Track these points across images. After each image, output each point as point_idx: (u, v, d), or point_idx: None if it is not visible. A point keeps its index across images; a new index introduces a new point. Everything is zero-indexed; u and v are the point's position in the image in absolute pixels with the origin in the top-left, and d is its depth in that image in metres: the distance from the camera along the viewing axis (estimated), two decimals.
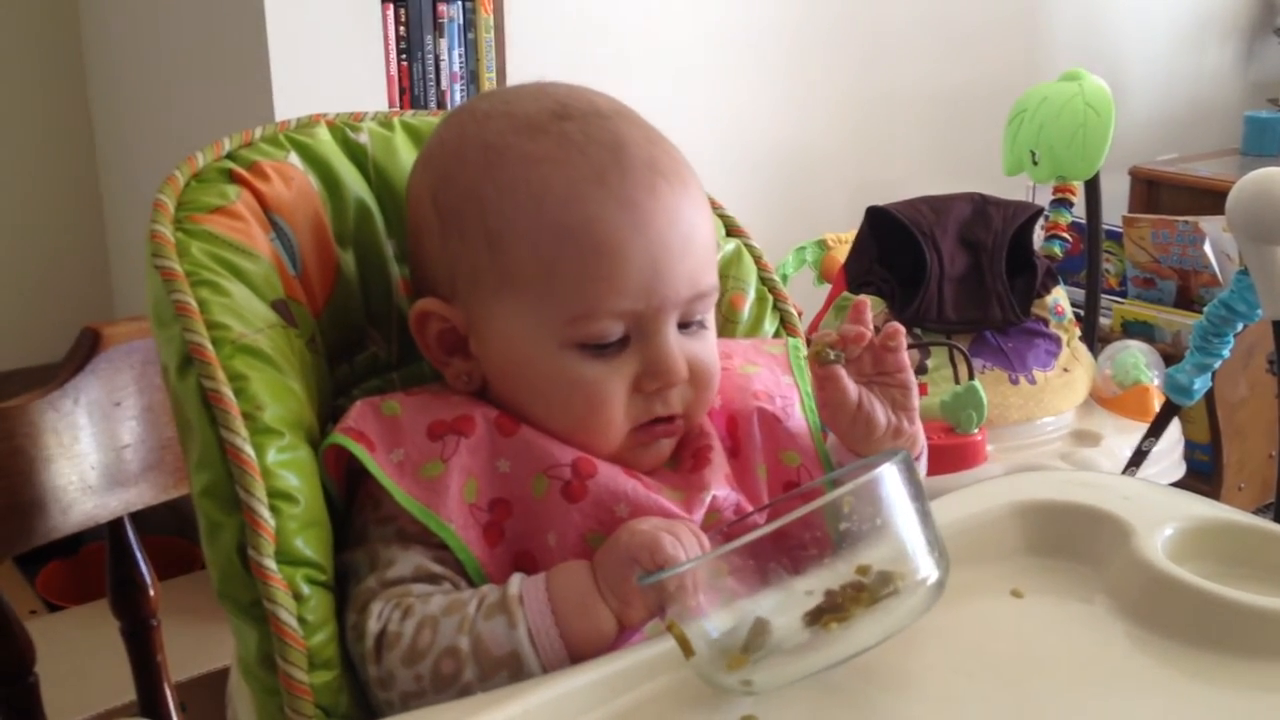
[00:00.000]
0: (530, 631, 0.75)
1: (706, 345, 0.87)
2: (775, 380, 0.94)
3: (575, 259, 0.81)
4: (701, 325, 0.86)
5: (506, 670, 0.74)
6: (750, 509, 0.86)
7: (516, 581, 0.77)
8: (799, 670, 0.70)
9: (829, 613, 0.69)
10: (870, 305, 0.88)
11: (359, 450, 0.81)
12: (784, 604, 0.69)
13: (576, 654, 0.75)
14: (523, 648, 0.75)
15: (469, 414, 0.83)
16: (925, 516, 0.72)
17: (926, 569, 0.71)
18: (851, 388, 0.87)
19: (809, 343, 0.91)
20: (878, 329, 0.88)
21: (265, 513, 0.77)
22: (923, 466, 0.91)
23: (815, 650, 0.69)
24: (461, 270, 0.85)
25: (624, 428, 0.84)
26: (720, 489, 0.85)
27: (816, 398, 0.89)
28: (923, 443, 0.91)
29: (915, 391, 0.89)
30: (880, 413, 0.87)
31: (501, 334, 0.84)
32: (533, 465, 0.82)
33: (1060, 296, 2.10)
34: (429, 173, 0.88)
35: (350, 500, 0.85)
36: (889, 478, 0.70)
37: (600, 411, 0.83)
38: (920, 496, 0.72)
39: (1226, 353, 1.73)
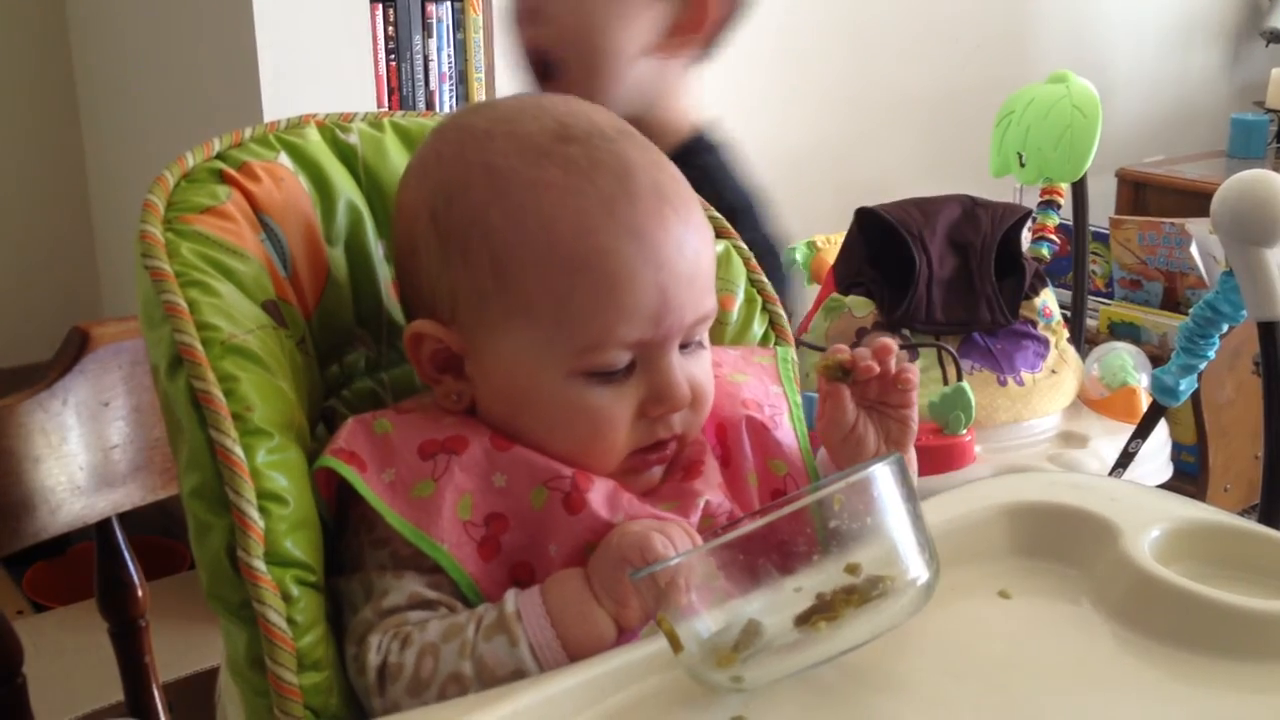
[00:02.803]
0: (532, 647, 0.75)
1: (703, 365, 0.87)
2: (764, 390, 0.94)
3: (586, 291, 0.80)
4: (700, 345, 0.87)
5: None
6: (743, 516, 0.86)
7: (512, 599, 0.77)
8: (788, 667, 0.70)
9: (819, 613, 0.69)
10: (896, 349, 0.88)
11: (350, 473, 0.80)
12: (775, 604, 0.70)
13: (580, 657, 0.75)
14: (526, 664, 0.75)
15: (461, 434, 0.83)
16: (917, 518, 0.72)
17: (917, 570, 0.71)
18: (851, 409, 0.88)
19: (799, 345, 0.91)
20: (870, 327, 0.88)
21: (254, 514, 0.77)
22: None
23: (804, 648, 0.69)
24: (463, 294, 0.84)
25: (624, 452, 0.84)
26: (714, 495, 0.85)
27: (818, 409, 0.89)
28: (915, 467, 0.92)
29: (914, 429, 0.89)
30: (872, 440, 0.88)
31: (506, 360, 0.83)
32: (532, 477, 0.82)
33: (1048, 298, 2.10)
34: (425, 189, 0.86)
35: (341, 520, 0.84)
36: (881, 477, 0.71)
37: (604, 437, 0.83)
38: (912, 498, 0.72)
39: (1212, 354, 1.73)
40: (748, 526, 0.69)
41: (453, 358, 0.86)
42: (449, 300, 0.85)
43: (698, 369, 0.86)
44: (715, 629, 0.70)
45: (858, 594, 0.69)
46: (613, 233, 0.80)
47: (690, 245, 0.83)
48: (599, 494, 0.82)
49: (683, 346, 0.85)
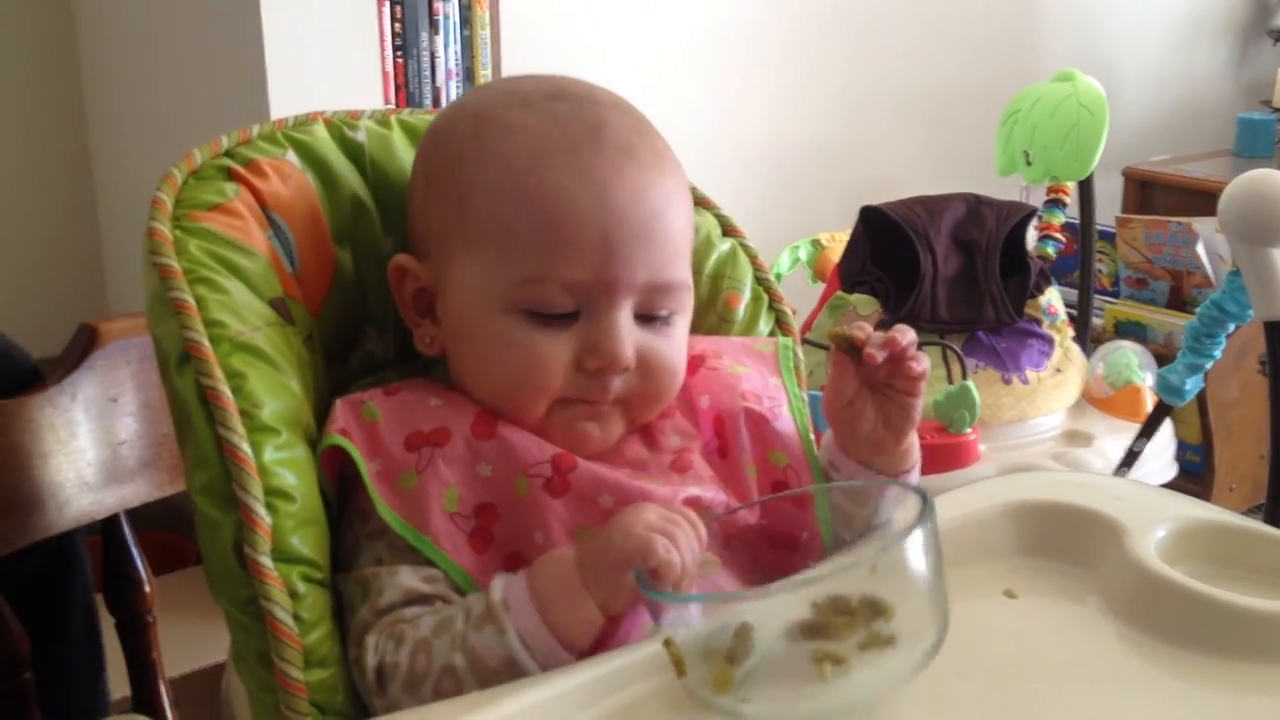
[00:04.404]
0: (520, 634, 0.75)
1: (668, 341, 0.86)
2: (763, 381, 0.94)
3: (529, 222, 0.82)
4: (665, 321, 0.86)
5: (506, 676, 0.74)
6: (739, 507, 0.86)
7: (499, 586, 0.77)
8: (790, 713, 0.70)
9: (816, 635, 0.69)
10: (910, 341, 0.86)
11: (355, 453, 0.81)
12: (770, 611, 0.70)
13: (570, 645, 0.75)
14: (515, 652, 0.74)
15: (444, 425, 0.83)
16: (937, 571, 0.70)
17: (927, 623, 0.70)
18: (851, 384, 0.87)
19: (804, 343, 0.91)
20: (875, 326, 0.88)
21: (261, 510, 0.77)
22: (914, 479, 0.91)
23: (808, 695, 0.68)
24: (434, 229, 0.87)
25: (553, 397, 0.84)
26: (705, 490, 0.85)
27: (829, 378, 0.89)
28: (916, 457, 0.91)
29: (914, 418, 0.88)
30: (869, 419, 0.88)
31: (458, 291, 0.85)
32: (514, 466, 0.82)
33: (1053, 297, 2.10)
34: (426, 139, 0.91)
35: (343, 506, 0.85)
36: (913, 544, 0.69)
37: (533, 377, 0.83)
38: (936, 550, 0.70)
39: (1218, 353, 1.73)
40: (773, 586, 0.70)
41: (430, 301, 0.88)
42: (424, 235, 0.88)
43: (659, 344, 0.85)
44: (709, 630, 0.69)
45: (851, 617, 0.68)
46: (565, 171, 0.82)
47: (648, 202, 0.83)
48: (583, 474, 0.82)
49: (646, 319, 0.85)
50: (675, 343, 0.87)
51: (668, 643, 0.70)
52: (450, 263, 0.85)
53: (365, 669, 0.78)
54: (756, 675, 0.69)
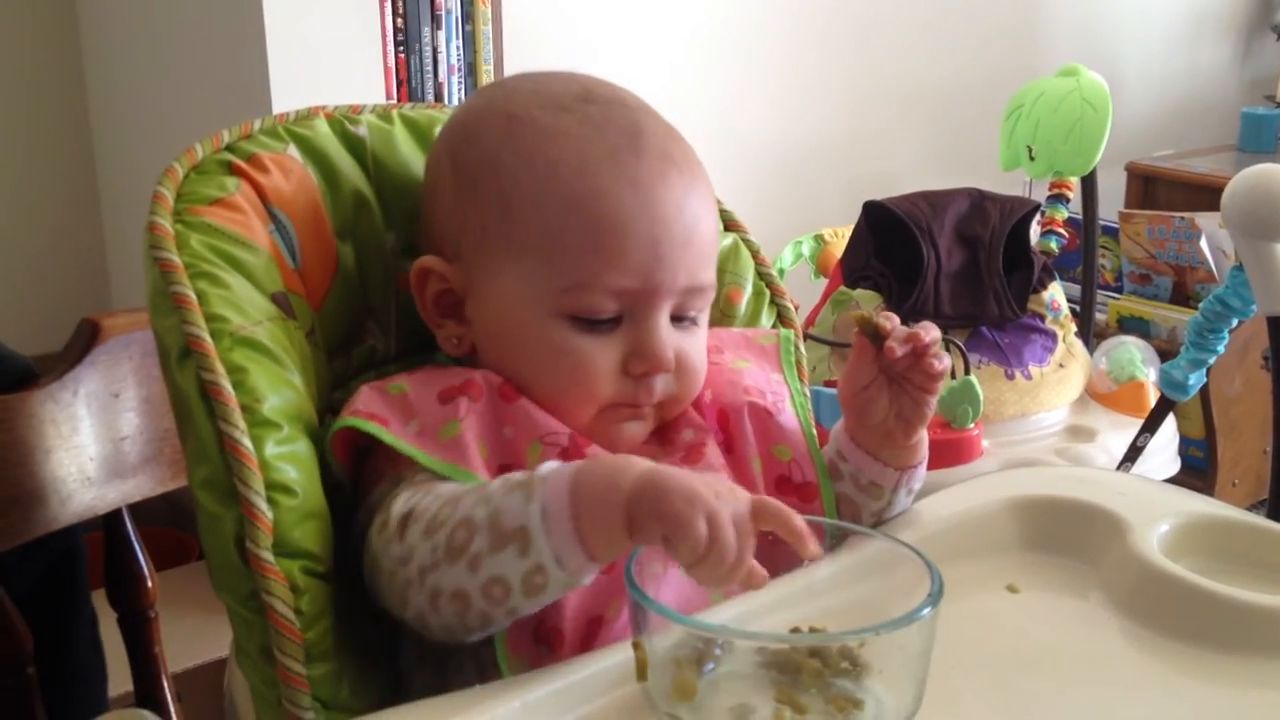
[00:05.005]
0: (544, 508, 0.70)
1: (696, 341, 0.88)
2: (765, 377, 0.94)
3: (579, 230, 0.82)
4: (694, 322, 0.88)
5: (515, 545, 0.70)
6: None
7: (549, 465, 0.74)
8: None
9: (785, 670, 0.68)
10: (934, 339, 0.85)
11: (375, 428, 0.81)
12: (746, 621, 0.70)
13: (589, 547, 0.70)
14: (533, 523, 0.70)
15: (473, 379, 0.84)
16: (926, 652, 0.69)
17: (902, 695, 0.69)
18: (869, 369, 0.87)
19: (807, 339, 0.90)
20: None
21: (263, 505, 0.77)
22: (920, 477, 0.91)
23: None
24: (469, 231, 0.86)
25: (602, 404, 0.84)
26: None
27: (849, 363, 0.89)
28: (924, 453, 0.91)
29: (927, 415, 0.88)
30: (880, 408, 0.87)
31: (499, 296, 0.85)
32: (531, 432, 0.83)
33: (1056, 292, 2.10)
34: (452, 136, 0.90)
35: (357, 484, 0.85)
36: (919, 629, 0.67)
37: (582, 383, 0.84)
38: (932, 632, 0.69)
39: (1222, 348, 1.73)
40: (791, 637, 0.70)
41: (455, 302, 0.88)
42: (456, 237, 0.87)
43: (689, 343, 0.87)
44: (679, 638, 0.69)
45: (828, 668, 0.68)
46: (613, 179, 0.83)
47: (690, 210, 0.85)
48: (596, 454, 0.82)
49: (676, 320, 0.86)
50: (701, 342, 0.89)
51: (636, 645, 0.70)
52: (488, 266, 0.86)
53: (390, 518, 0.76)
54: (715, 694, 0.68)
